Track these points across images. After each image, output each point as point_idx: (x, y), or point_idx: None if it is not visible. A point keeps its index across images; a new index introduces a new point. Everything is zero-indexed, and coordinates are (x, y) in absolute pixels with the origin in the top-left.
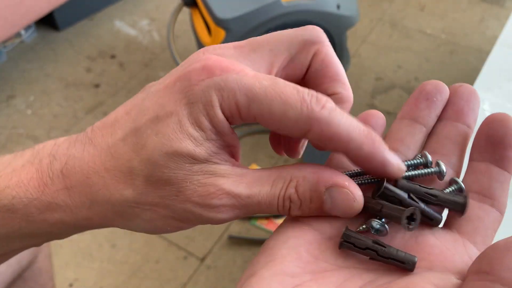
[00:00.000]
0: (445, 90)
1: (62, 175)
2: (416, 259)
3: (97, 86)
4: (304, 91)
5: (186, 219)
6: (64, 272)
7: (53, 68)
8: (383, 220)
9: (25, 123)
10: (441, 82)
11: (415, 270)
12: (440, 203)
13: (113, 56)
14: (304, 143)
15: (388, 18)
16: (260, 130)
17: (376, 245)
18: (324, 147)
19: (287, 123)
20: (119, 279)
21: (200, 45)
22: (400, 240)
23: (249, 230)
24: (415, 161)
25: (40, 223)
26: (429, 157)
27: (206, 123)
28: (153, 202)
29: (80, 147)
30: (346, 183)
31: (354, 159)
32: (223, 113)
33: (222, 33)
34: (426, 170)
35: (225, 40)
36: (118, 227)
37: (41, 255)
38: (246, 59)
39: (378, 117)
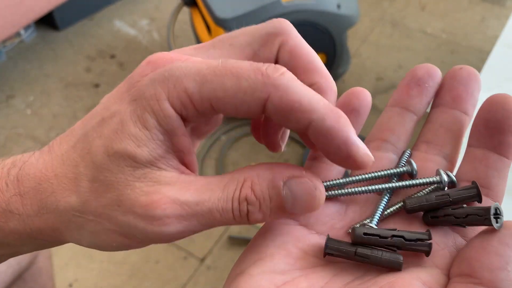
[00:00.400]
0: (437, 75)
1: (17, 180)
2: (401, 258)
3: (96, 86)
4: (259, 63)
5: (130, 235)
6: (64, 272)
7: (53, 68)
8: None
9: (24, 123)
10: (433, 66)
11: (404, 265)
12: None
13: (112, 56)
14: (284, 135)
15: (389, 18)
16: None
17: (359, 257)
18: (285, 121)
19: (243, 96)
20: (119, 279)
21: None
22: None
23: (249, 230)
24: (399, 170)
25: None
26: (415, 166)
27: (151, 120)
28: (96, 212)
29: (38, 155)
30: (304, 173)
31: (315, 135)
32: (173, 107)
33: (222, 33)
34: (425, 180)
35: None
36: (68, 240)
37: (41, 256)
38: (204, 55)
39: (364, 96)
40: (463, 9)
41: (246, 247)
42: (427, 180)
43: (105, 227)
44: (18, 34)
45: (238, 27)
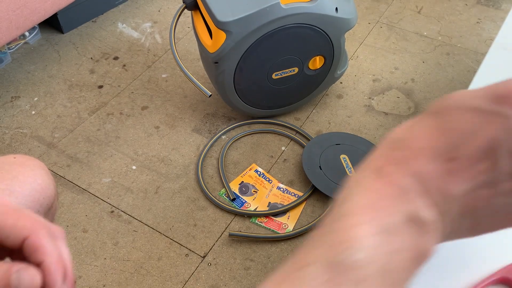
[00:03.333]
0: None
1: None
2: None
3: (100, 87)
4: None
5: None
6: None
7: (57, 69)
8: None
9: (29, 123)
10: None
11: None
12: None
13: (116, 58)
14: None
15: (386, 21)
16: (260, 130)
17: None
18: None
19: None
20: (122, 276)
21: (202, 47)
22: None
23: (249, 228)
24: None
25: None
26: None
27: None
28: None
29: None
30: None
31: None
32: None
33: (223, 36)
34: None
35: (226, 43)
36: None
37: (56, 202)
38: None
39: None
40: (458, 12)
41: None
42: None
43: None
44: (23, 36)
45: (238, 30)
